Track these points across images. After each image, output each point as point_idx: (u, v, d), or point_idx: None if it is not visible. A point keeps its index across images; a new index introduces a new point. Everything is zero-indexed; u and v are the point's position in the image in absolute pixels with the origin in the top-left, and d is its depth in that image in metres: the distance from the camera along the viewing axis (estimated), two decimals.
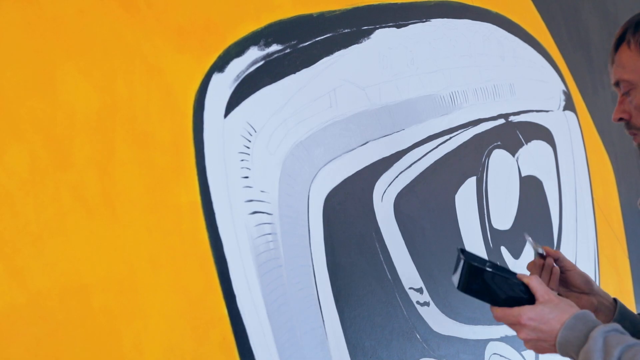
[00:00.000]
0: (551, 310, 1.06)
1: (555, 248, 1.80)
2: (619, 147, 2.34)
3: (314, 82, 1.47)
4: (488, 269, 1.06)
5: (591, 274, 1.95)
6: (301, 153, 1.49)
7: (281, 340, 1.24)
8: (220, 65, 1.51)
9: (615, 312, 1.24)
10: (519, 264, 1.34)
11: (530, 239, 1.20)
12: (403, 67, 1.32)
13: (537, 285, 1.07)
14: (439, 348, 1.22)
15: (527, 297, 1.06)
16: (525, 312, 1.05)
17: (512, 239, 1.29)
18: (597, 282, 1.77)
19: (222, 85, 1.54)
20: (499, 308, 1.07)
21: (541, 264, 1.22)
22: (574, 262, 1.56)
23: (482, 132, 1.51)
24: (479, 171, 1.44)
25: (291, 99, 1.45)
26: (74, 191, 1.15)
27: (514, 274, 1.06)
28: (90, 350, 1.20)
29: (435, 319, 1.27)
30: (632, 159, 2.44)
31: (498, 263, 1.11)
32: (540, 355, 1.28)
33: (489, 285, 1.06)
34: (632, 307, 1.55)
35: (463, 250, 1.06)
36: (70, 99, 1.22)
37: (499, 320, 1.07)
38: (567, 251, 1.89)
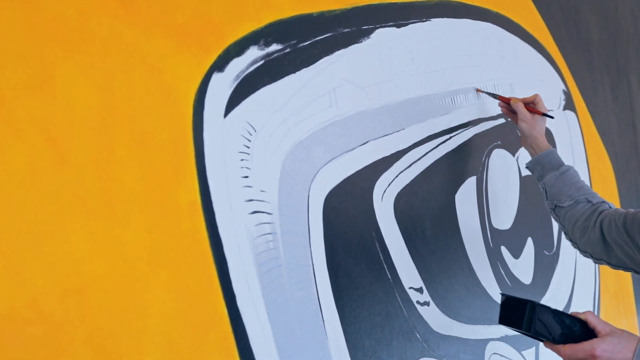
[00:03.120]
0: (619, 340, 1.12)
1: (555, 248, 1.79)
2: (619, 147, 2.34)
3: (314, 82, 1.47)
4: (552, 308, 1.11)
5: (591, 274, 1.95)
6: (301, 153, 1.49)
7: (281, 340, 1.24)
8: (220, 64, 1.51)
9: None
10: (519, 264, 1.34)
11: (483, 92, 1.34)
12: (403, 66, 1.32)
13: (595, 319, 1.13)
14: (439, 348, 1.22)
15: (581, 332, 1.11)
16: (598, 345, 1.10)
17: (512, 239, 1.29)
18: (598, 283, 1.77)
19: (222, 85, 1.54)
20: (566, 345, 1.12)
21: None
22: (573, 262, 1.56)
23: (482, 132, 1.51)
24: (479, 171, 1.44)
25: (291, 99, 1.45)
26: (73, 191, 1.15)
27: (567, 313, 1.13)
28: (90, 350, 1.20)
29: (435, 319, 1.27)
30: (632, 159, 2.44)
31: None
32: (541, 356, 1.28)
33: (549, 325, 1.11)
34: (632, 306, 1.55)
35: (506, 294, 1.11)
36: (70, 98, 1.22)
37: (566, 357, 1.11)
38: (567, 251, 1.89)
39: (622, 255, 1.22)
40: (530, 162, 1.31)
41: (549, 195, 1.27)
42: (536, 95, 1.39)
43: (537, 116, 1.36)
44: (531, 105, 1.39)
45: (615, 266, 1.25)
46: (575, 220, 1.26)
